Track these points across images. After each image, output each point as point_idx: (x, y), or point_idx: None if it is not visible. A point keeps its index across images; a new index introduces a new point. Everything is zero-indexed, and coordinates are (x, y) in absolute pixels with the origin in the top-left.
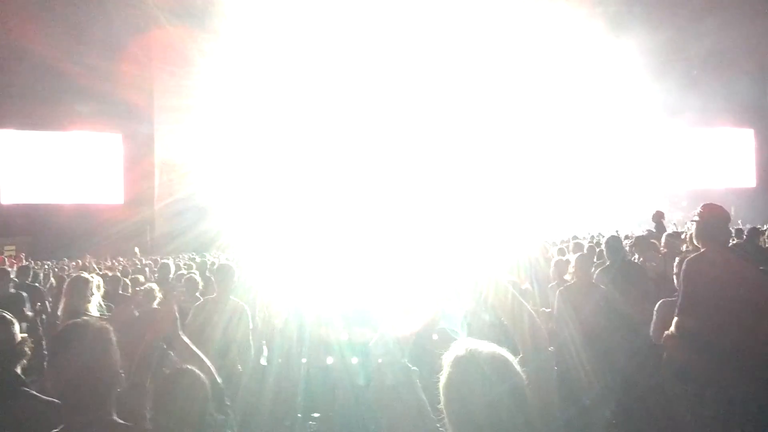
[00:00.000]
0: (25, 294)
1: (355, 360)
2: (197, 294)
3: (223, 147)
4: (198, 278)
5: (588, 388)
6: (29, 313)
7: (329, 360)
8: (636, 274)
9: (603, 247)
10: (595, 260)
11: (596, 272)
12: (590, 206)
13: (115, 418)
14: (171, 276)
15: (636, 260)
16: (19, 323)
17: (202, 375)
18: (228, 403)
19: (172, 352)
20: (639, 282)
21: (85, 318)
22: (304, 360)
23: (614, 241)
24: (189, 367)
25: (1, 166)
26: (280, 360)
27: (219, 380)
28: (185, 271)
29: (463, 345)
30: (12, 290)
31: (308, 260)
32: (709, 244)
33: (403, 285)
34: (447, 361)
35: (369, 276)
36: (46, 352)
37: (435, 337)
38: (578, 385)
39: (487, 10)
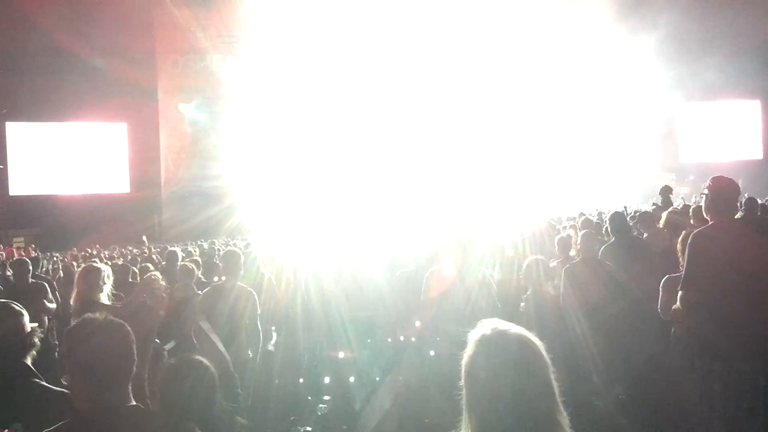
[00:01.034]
0: (46, 284)
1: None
2: (192, 283)
3: (230, 132)
4: (192, 266)
5: (596, 366)
6: (51, 305)
7: (341, 354)
8: (641, 250)
9: (607, 223)
10: (603, 237)
11: (601, 249)
12: (597, 182)
13: (134, 403)
14: (179, 263)
15: (641, 236)
16: (42, 314)
17: (207, 364)
18: (239, 391)
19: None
20: (644, 258)
21: (98, 312)
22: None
23: (618, 218)
24: (195, 356)
25: (9, 158)
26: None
27: (231, 369)
28: (196, 258)
29: (490, 324)
30: (32, 280)
31: (314, 244)
32: (717, 217)
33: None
34: (473, 339)
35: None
36: (56, 342)
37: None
38: (586, 364)
39: None
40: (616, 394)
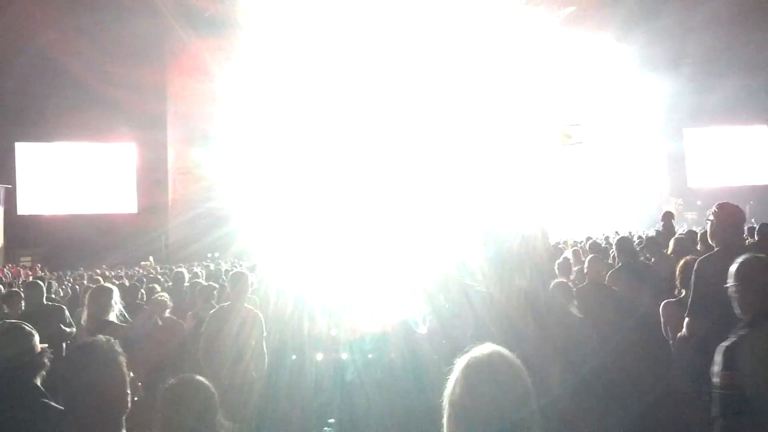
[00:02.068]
0: (63, 306)
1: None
2: (213, 302)
3: (237, 154)
4: (211, 286)
5: (602, 390)
6: (69, 329)
7: (319, 356)
8: (648, 275)
9: (614, 248)
10: (610, 261)
11: (608, 274)
12: (605, 206)
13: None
14: (185, 284)
15: (648, 261)
16: (57, 339)
17: (207, 383)
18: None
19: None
20: (651, 283)
21: (107, 334)
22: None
23: (625, 242)
24: (194, 376)
25: (18, 178)
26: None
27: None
28: (201, 280)
29: (476, 348)
30: (46, 302)
31: (315, 261)
32: (723, 243)
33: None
34: (459, 363)
35: (359, 273)
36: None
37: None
38: (591, 388)
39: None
40: (620, 419)
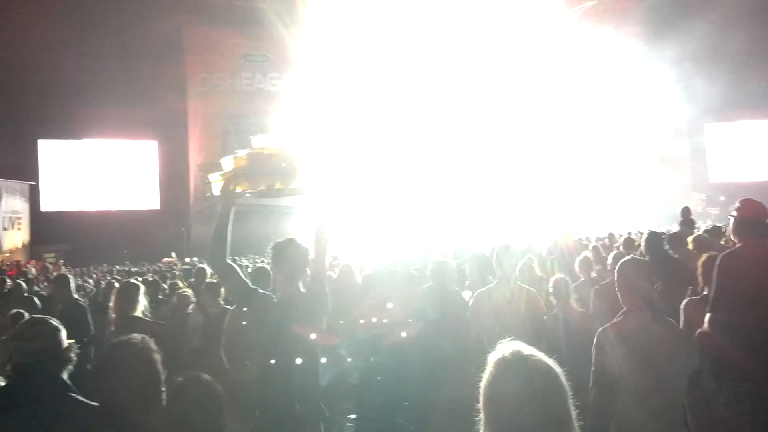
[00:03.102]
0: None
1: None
2: (220, 299)
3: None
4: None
5: (624, 388)
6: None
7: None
8: (676, 269)
9: (642, 243)
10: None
11: None
12: (626, 202)
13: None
14: (207, 280)
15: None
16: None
17: (213, 382)
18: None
19: None
20: (679, 277)
21: (137, 331)
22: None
23: (654, 237)
24: (201, 375)
25: (41, 175)
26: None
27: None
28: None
29: (509, 348)
30: (75, 297)
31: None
32: (746, 240)
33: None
34: (491, 361)
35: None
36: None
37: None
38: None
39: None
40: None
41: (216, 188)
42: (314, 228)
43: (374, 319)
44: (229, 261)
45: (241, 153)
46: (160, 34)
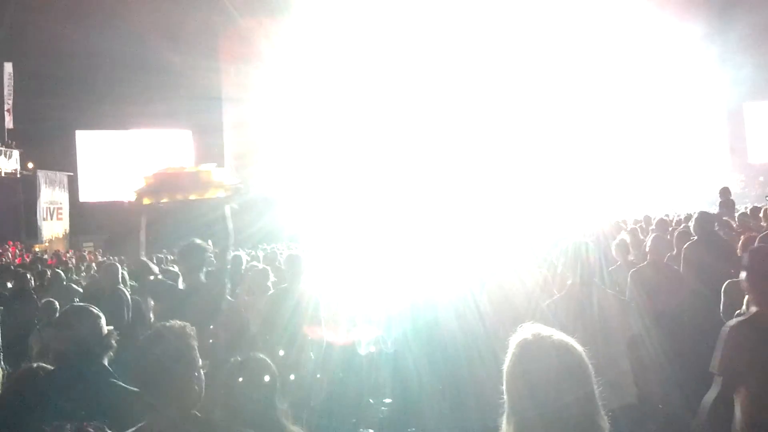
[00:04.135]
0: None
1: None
2: (268, 284)
3: (290, 139)
4: (267, 269)
5: (664, 376)
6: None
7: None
8: (725, 249)
9: (693, 222)
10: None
11: (685, 246)
12: (665, 184)
13: (196, 413)
14: (243, 267)
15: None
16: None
17: (270, 362)
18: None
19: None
20: (728, 257)
21: (168, 323)
22: None
23: (705, 217)
24: (259, 354)
25: (79, 165)
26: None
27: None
28: (258, 263)
29: (531, 329)
30: (120, 286)
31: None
32: None
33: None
34: (514, 343)
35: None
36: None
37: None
38: (654, 374)
39: None
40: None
41: (131, 200)
42: (217, 231)
43: None
44: (143, 258)
45: (149, 174)
46: (195, 23)
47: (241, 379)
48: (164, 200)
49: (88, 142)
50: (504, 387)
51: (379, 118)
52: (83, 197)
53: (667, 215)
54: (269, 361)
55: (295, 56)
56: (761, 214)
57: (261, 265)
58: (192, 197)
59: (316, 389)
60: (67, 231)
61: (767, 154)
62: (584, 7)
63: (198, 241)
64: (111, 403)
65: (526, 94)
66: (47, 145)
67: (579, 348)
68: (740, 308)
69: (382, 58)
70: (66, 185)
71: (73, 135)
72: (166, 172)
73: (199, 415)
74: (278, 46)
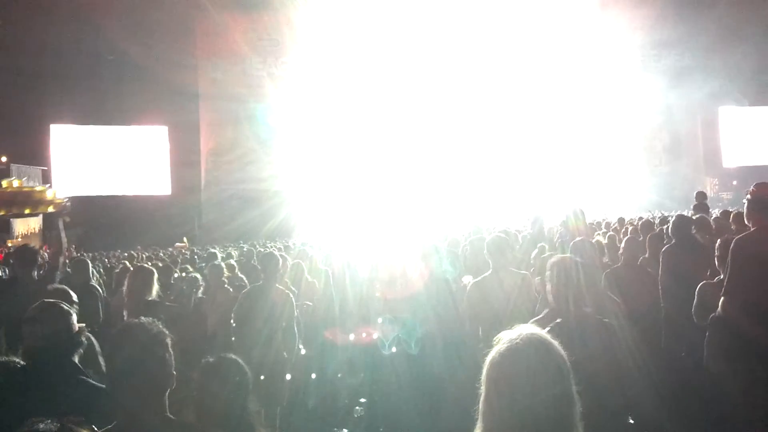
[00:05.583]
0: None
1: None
2: (223, 278)
3: (268, 136)
4: (222, 265)
5: (636, 373)
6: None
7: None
8: (702, 252)
9: (670, 224)
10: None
11: (662, 249)
12: (638, 187)
13: (168, 414)
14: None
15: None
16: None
17: (243, 364)
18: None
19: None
20: (705, 261)
21: (140, 319)
22: None
23: (682, 220)
24: (232, 356)
25: (53, 160)
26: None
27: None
28: (233, 261)
29: (515, 329)
30: (93, 282)
31: (352, 244)
32: (760, 223)
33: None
34: (495, 341)
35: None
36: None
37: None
38: (626, 372)
39: None
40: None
41: None
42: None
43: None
44: None
45: None
46: (172, 19)
47: (212, 381)
48: (1, 213)
49: (62, 137)
50: (482, 385)
51: (359, 113)
52: (57, 192)
53: (652, 216)
54: (241, 362)
55: (272, 52)
56: (731, 219)
57: (218, 262)
58: (26, 212)
59: (289, 389)
60: (41, 226)
61: (741, 159)
62: (557, 12)
63: (31, 245)
64: (80, 401)
65: (505, 97)
66: (21, 139)
67: (559, 348)
68: (711, 309)
69: (360, 51)
70: (40, 179)
71: (48, 129)
72: (5, 190)
73: (171, 417)
74: (255, 43)
